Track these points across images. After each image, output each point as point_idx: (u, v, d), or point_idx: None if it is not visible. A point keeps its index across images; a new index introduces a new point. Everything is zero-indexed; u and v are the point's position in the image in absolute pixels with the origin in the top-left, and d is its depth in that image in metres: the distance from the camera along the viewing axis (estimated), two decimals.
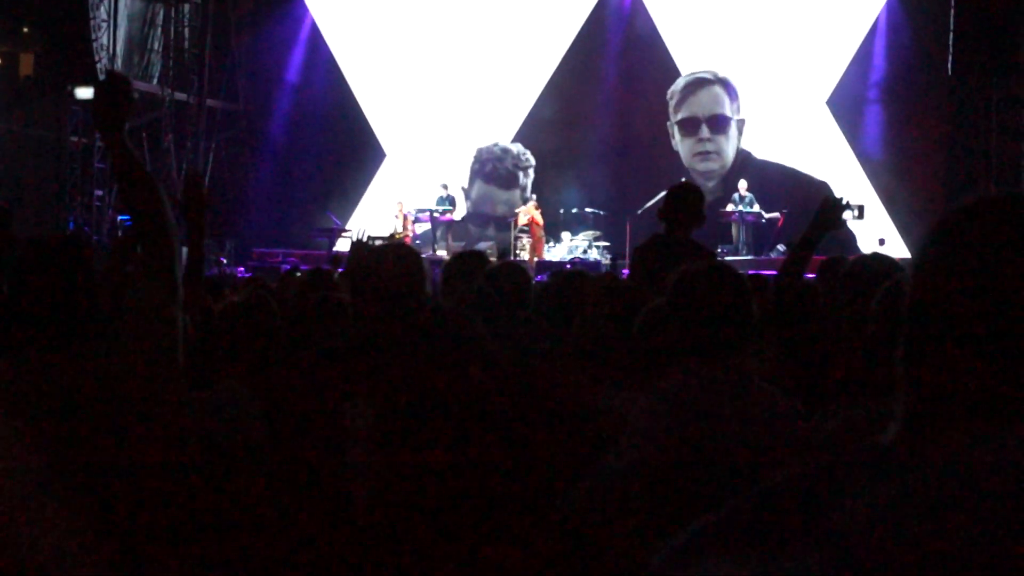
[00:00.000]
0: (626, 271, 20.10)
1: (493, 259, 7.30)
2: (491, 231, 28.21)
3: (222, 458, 3.93)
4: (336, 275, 8.14)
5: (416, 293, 4.00)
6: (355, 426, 3.75)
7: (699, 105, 28.87)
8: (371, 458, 3.72)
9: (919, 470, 1.34)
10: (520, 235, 26.25)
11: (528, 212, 26.21)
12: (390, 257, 4.08)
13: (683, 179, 23.00)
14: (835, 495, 1.35)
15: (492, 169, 30.03)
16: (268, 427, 4.13)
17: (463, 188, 29.87)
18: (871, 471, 1.37)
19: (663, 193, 7.58)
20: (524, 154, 29.73)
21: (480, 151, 30.15)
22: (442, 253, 25.25)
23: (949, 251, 1.47)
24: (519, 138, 29.69)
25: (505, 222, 27.32)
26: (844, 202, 6.09)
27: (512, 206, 28.32)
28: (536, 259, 24.50)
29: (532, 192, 28.97)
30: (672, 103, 28.97)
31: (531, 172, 29.62)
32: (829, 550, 1.30)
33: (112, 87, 3.67)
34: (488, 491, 3.83)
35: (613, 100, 28.67)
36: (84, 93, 22.92)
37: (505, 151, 30.04)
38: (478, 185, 30.24)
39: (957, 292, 1.42)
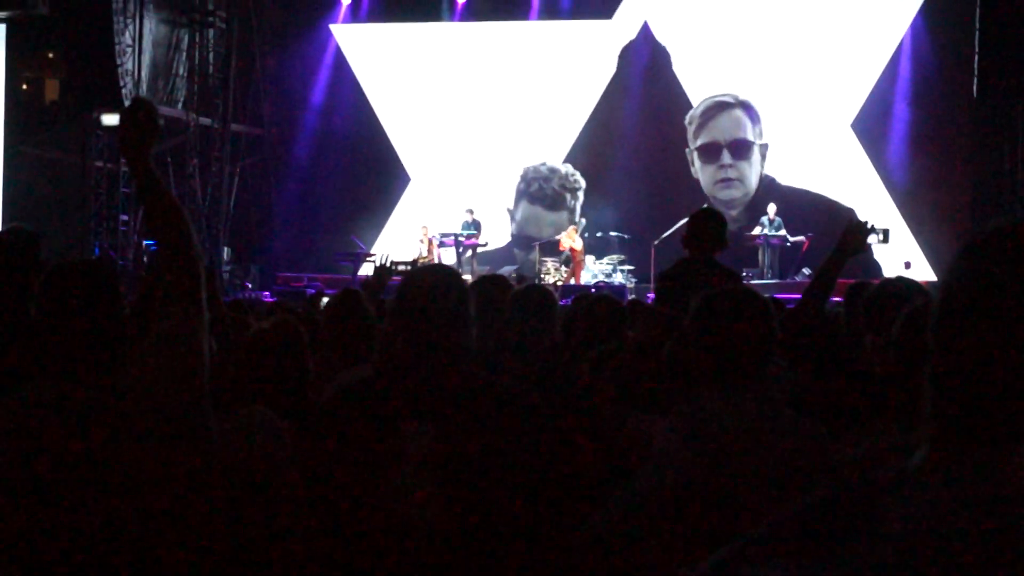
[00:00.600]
0: (651, 295, 20.16)
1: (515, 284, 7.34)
2: (536, 254, 28.02)
3: (247, 483, 3.93)
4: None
5: (464, 312, 4.00)
6: (413, 447, 3.74)
7: (720, 130, 28.53)
8: (429, 480, 3.71)
9: (948, 490, 1.35)
10: (545, 259, 26.21)
11: (570, 238, 26.10)
12: (435, 277, 4.09)
13: (704, 205, 22.89)
14: (869, 514, 1.36)
15: (538, 189, 29.62)
16: (298, 452, 4.13)
17: (508, 209, 29.73)
18: (901, 492, 1.38)
19: (682, 221, 7.61)
20: (573, 175, 29.26)
21: (526, 170, 29.77)
22: (467, 278, 25.05)
23: (978, 273, 1.46)
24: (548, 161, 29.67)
25: (551, 244, 27.09)
26: (869, 226, 6.08)
27: (559, 228, 27.83)
28: (561, 284, 24.42)
29: (581, 216, 28.78)
30: (691, 128, 28.68)
31: (580, 194, 29.16)
32: (865, 565, 1.30)
33: (138, 113, 3.69)
34: (547, 512, 3.83)
35: (639, 126, 28.59)
36: (110, 120, 23.05)
37: (552, 171, 29.55)
38: (523, 206, 29.94)
39: (984, 314, 1.42)
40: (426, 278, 4.08)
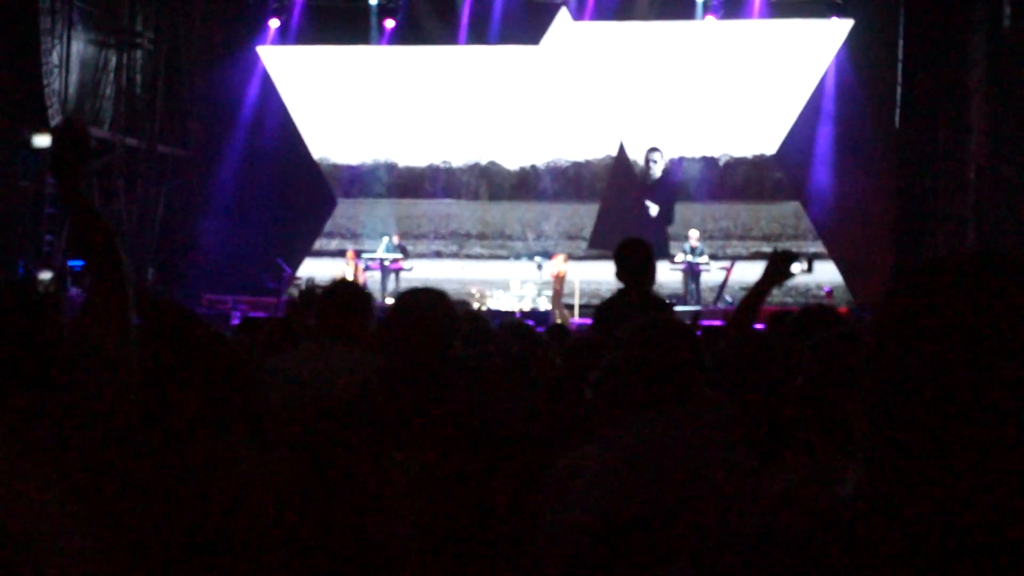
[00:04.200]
0: (577, 321, 20.24)
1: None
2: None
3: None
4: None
5: (451, 340, 4.02)
6: (400, 476, 3.74)
7: None
8: (415, 508, 3.72)
9: (882, 521, 1.36)
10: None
11: (563, 263, 25.71)
12: (427, 305, 4.10)
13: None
14: (797, 545, 1.37)
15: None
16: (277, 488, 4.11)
17: None
18: (834, 523, 1.39)
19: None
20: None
21: None
22: (391, 301, 25.01)
23: (910, 315, 1.48)
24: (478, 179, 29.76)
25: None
26: (794, 254, 6.12)
27: None
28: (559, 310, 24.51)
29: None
30: None
31: None
32: None
33: (70, 135, 3.67)
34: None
35: (565, 150, 28.91)
36: (41, 141, 22.83)
37: None
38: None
39: (919, 355, 1.42)
40: (413, 302, 4.10)
